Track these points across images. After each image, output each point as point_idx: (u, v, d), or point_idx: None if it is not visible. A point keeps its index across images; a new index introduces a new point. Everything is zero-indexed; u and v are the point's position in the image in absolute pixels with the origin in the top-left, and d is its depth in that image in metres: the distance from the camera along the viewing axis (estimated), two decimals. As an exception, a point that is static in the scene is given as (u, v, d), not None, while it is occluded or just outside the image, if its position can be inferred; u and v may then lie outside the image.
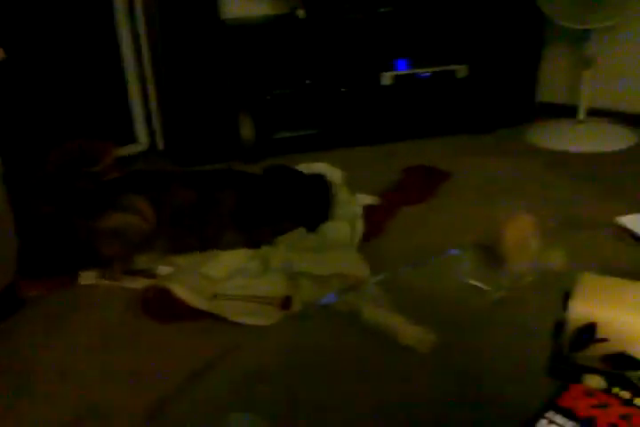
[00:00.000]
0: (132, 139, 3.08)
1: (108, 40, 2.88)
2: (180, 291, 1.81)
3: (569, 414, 0.67)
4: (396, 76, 2.99)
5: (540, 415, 0.67)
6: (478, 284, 1.04)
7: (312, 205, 2.19)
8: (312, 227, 2.13)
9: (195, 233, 2.07)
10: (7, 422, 1.42)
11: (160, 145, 3.15)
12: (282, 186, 2.21)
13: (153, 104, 3.07)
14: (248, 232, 2.09)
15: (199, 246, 2.07)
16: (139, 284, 1.93)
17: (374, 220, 2.23)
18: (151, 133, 3.13)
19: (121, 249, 1.98)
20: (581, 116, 3.04)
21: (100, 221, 1.98)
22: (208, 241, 2.07)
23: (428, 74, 3.02)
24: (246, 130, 2.88)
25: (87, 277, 1.98)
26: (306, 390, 0.87)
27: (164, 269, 1.98)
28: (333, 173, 2.56)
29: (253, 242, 2.07)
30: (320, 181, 2.26)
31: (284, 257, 1.94)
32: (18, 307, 1.84)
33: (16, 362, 1.63)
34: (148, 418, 0.81)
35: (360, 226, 2.15)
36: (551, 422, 0.66)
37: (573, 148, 2.90)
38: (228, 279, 1.88)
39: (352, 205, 2.30)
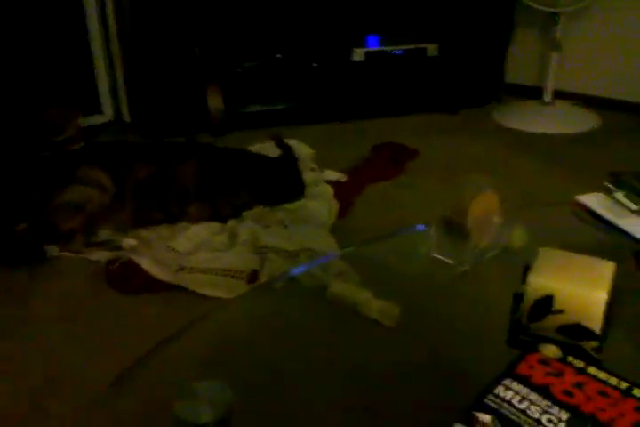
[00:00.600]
0: (97, 109, 3.02)
1: (74, 8, 2.80)
2: (145, 263, 1.80)
3: (525, 381, 0.69)
4: (368, 52, 2.98)
5: (497, 382, 0.69)
6: (443, 258, 1.06)
7: (274, 180, 2.18)
8: (273, 202, 2.12)
9: (159, 206, 2.06)
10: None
11: (126, 116, 3.09)
12: (243, 159, 2.19)
13: (120, 74, 3.01)
14: (211, 205, 2.08)
15: (164, 220, 2.06)
16: (102, 256, 1.91)
17: (341, 197, 2.25)
18: (117, 104, 3.07)
19: (81, 223, 1.96)
20: (548, 97, 3.08)
21: (59, 196, 1.94)
22: (173, 214, 2.06)
23: (399, 51, 3.02)
24: (215, 103, 2.85)
25: (50, 250, 1.96)
26: (273, 359, 0.88)
27: (128, 242, 1.96)
28: (302, 151, 2.56)
29: (218, 215, 2.06)
30: (286, 158, 2.24)
31: (251, 231, 1.94)
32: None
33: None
34: (111, 386, 0.81)
35: (335, 206, 2.16)
36: (508, 388, 0.68)
37: (539, 129, 2.95)
38: (196, 252, 1.88)
39: (322, 184, 2.31)
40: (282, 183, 2.20)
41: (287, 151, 2.27)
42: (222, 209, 2.07)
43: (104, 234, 2.02)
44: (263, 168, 2.19)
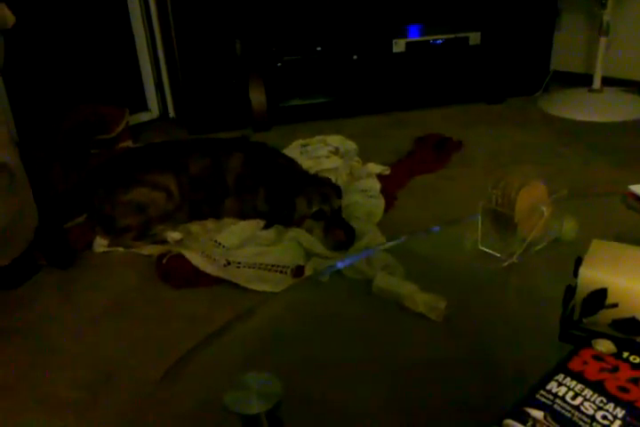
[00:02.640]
0: (143, 106, 3.07)
1: (118, 7, 2.85)
2: (194, 258, 1.83)
3: (578, 377, 0.67)
4: (409, 42, 2.95)
5: (550, 378, 0.67)
6: (490, 251, 1.04)
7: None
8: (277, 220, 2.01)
9: (207, 200, 2.09)
10: (24, 384, 1.46)
11: (171, 113, 3.14)
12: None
13: (165, 71, 3.05)
14: (242, 200, 2.08)
15: (210, 214, 2.09)
16: (151, 250, 1.95)
17: (385, 190, 2.23)
18: (162, 101, 3.12)
19: (138, 222, 2.00)
20: (596, 84, 3.00)
21: (125, 194, 1.99)
22: (217, 208, 2.08)
23: (440, 41, 2.98)
24: (257, 97, 2.86)
25: (100, 245, 2.00)
26: (319, 351, 0.88)
27: (172, 235, 1.99)
28: (348, 145, 2.56)
29: (247, 208, 2.06)
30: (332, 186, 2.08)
31: (297, 232, 1.93)
32: (33, 272, 1.87)
33: (33, 326, 1.67)
34: (160, 379, 0.83)
35: (382, 202, 2.15)
36: (561, 384, 0.67)
37: (587, 117, 2.87)
38: (242, 247, 1.90)
39: (369, 178, 2.30)
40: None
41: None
42: (250, 202, 2.07)
43: (155, 230, 2.06)
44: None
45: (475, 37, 2.99)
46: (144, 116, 3.06)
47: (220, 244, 1.92)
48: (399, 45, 2.95)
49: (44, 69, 2.67)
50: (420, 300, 0.95)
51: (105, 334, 1.62)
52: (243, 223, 2.01)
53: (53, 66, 2.70)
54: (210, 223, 2.07)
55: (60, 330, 1.64)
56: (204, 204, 2.08)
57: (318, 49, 2.89)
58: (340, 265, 1.13)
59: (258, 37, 2.80)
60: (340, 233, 1.88)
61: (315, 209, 1.91)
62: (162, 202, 2.01)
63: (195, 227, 2.05)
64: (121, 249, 1.98)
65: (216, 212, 2.09)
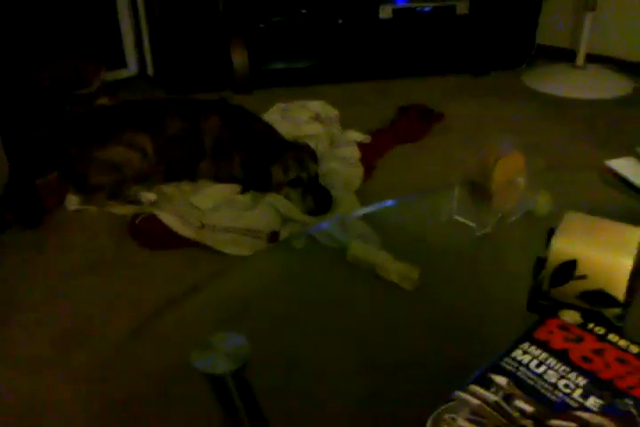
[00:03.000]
0: (122, 63, 2.99)
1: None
2: (169, 219, 1.81)
3: (543, 345, 0.68)
4: (396, 9, 2.90)
5: (515, 346, 0.68)
6: (465, 221, 1.04)
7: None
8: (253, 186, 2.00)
9: (182, 163, 2.06)
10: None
11: (150, 71, 3.07)
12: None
13: (145, 29, 2.97)
14: (217, 164, 2.06)
15: (186, 176, 2.06)
16: (124, 210, 1.93)
17: (365, 159, 2.22)
18: (141, 59, 3.04)
19: (111, 182, 1.97)
20: (580, 61, 2.99)
21: (100, 152, 1.95)
22: (192, 170, 2.06)
23: (428, 8, 2.93)
24: (239, 59, 2.81)
25: (73, 203, 1.97)
26: (289, 315, 0.89)
27: (147, 196, 1.97)
28: (329, 112, 2.53)
29: (222, 173, 2.04)
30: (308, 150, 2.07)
31: (276, 197, 1.92)
32: (3, 228, 1.84)
33: (6, 283, 1.65)
34: (131, 336, 0.83)
35: (360, 170, 2.14)
36: (525, 352, 0.68)
37: (570, 93, 2.87)
38: (217, 210, 1.88)
39: (349, 145, 2.28)
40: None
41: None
42: (227, 167, 2.05)
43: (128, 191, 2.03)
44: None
45: (462, 6, 2.95)
46: (122, 74, 2.99)
47: (194, 206, 1.91)
48: (386, 11, 2.90)
49: (21, 22, 2.58)
50: (394, 269, 0.95)
51: (76, 292, 1.61)
52: (218, 186, 1.99)
53: (30, 19, 2.61)
54: (185, 185, 2.05)
55: (30, 288, 1.62)
56: (180, 165, 2.05)
57: (303, 11, 2.83)
58: (313, 230, 1.12)
59: (242, -4, 2.74)
60: (317, 200, 1.88)
61: (291, 177, 1.90)
62: (137, 162, 1.97)
63: (170, 189, 2.03)
64: (94, 208, 1.96)
65: (191, 174, 2.07)
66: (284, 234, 1.79)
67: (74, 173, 1.98)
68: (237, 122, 2.08)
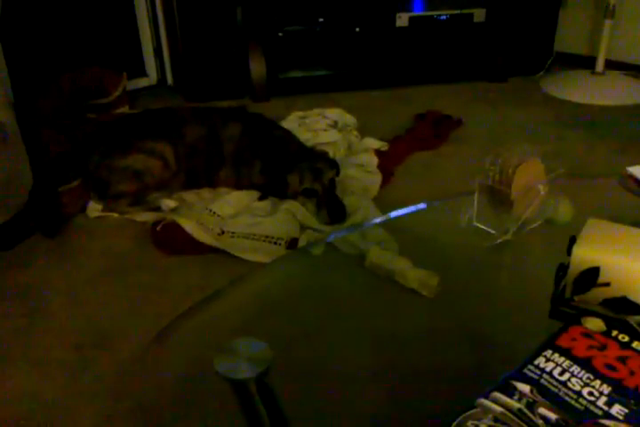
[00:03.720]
0: (141, 72, 3.03)
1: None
2: (189, 226, 1.82)
3: (567, 353, 0.68)
4: (412, 17, 2.91)
5: (538, 354, 0.68)
6: (484, 228, 1.04)
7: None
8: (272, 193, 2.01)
9: (203, 170, 2.07)
10: (19, 343, 1.47)
11: (169, 79, 3.10)
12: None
13: (164, 38, 3.01)
14: (237, 172, 2.07)
15: (206, 184, 2.08)
16: (145, 217, 1.95)
17: (382, 166, 2.22)
18: (161, 67, 3.08)
19: (133, 189, 1.99)
20: (599, 67, 2.97)
21: (121, 159, 1.97)
22: (212, 178, 2.07)
23: (444, 16, 2.94)
24: (257, 67, 2.83)
25: (94, 210, 2.00)
26: (309, 321, 0.89)
27: (167, 203, 1.99)
28: (347, 120, 2.54)
29: (242, 180, 2.05)
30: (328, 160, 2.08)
31: (293, 204, 1.92)
32: (28, 234, 1.86)
33: (28, 287, 1.67)
34: (151, 343, 0.83)
35: (378, 177, 2.14)
36: (549, 360, 0.67)
37: (589, 100, 2.85)
38: (237, 217, 1.89)
39: (367, 152, 2.29)
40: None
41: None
42: (246, 173, 2.06)
43: (150, 198, 2.05)
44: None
45: (479, 14, 2.95)
46: (142, 82, 3.02)
47: (214, 213, 1.92)
48: (402, 19, 2.91)
49: (43, 31, 2.63)
50: (413, 276, 0.95)
51: (98, 298, 1.62)
52: (237, 193, 2.00)
53: (52, 28, 2.65)
54: (205, 192, 2.06)
55: (52, 293, 1.64)
56: (200, 173, 2.07)
57: (320, 20, 2.85)
58: (332, 237, 1.13)
59: (260, 5, 2.76)
60: (331, 212, 1.88)
61: (306, 185, 1.90)
62: (158, 170, 1.99)
63: (190, 195, 2.04)
64: (115, 215, 1.98)
65: (211, 181, 2.08)
66: (302, 241, 1.79)
67: (96, 181, 2.00)
68: (257, 129, 2.10)
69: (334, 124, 2.50)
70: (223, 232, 1.83)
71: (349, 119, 2.54)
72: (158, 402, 0.76)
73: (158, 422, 0.72)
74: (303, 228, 1.85)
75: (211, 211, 1.92)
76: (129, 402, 1.20)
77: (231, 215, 1.90)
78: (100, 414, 1.26)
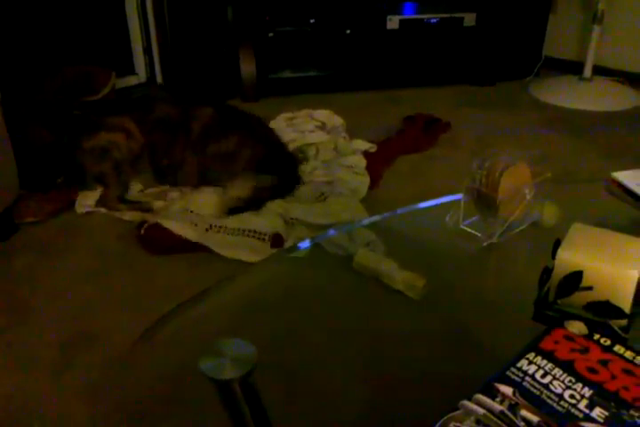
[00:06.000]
0: (130, 70, 3.02)
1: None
2: (172, 224, 1.82)
3: (549, 356, 0.68)
4: (403, 20, 2.92)
5: (521, 356, 0.68)
6: (471, 230, 1.05)
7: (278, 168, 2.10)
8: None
9: (165, 149, 2.06)
10: (2, 341, 1.46)
11: (159, 78, 3.09)
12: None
13: (154, 36, 2.99)
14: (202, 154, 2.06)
15: (170, 165, 2.07)
16: (132, 216, 1.94)
17: (371, 168, 2.23)
18: (150, 66, 3.06)
19: (107, 170, 1.99)
20: (587, 73, 2.99)
21: (87, 142, 1.99)
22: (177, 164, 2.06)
23: (435, 20, 2.95)
24: (247, 67, 2.83)
25: (83, 206, 1.99)
26: (295, 322, 0.89)
27: (157, 204, 1.98)
28: (336, 121, 2.54)
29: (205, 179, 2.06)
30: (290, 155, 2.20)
31: (280, 203, 1.93)
32: (12, 232, 1.85)
33: (12, 286, 1.66)
34: (136, 342, 0.83)
35: (367, 179, 2.14)
36: (531, 362, 0.68)
37: (576, 105, 2.88)
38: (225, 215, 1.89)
39: (355, 154, 2.29)
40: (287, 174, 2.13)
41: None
42: (210, 164, 2.06)
43: (135, 193, 2.05)
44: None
45: (470, 18, 2.97)
46: (131, 81, 3.01)
47: (195, 214, 1.91)
48: (393, 22, 2.92)
49: (32, 28, 2.61)
50: (400, 277, 0.95)
51: (83, 296, 1.61)
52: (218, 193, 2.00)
53: (42, 25, 2.64)
54: (189, 193, 2.05)
55: (37, 291, 1.63)
56: (161, 150, 2.05)
57: (312, 21, 2.85)
58: (320, 238, 1.13)
59: (251, 5, 2.75)
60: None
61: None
62: (122, 141, 2.00)
63: (175, 194, 2.03)
64: (103, 210, 1.97)
65: (175, 168, 2.07)
66: (291, 239, 1.80)
67: (74, 169, 2.00)
68: (229, 113, 2.11)
69: (322, 126, 2.50)
70: (211, 227, 1.82)
71: (338, 121, 2.55)
72: (143, 401, 0.75)
73: (142, 422, 0.72)
74: (290, 226, 1.85)
75: (192, 212, 1.92)
76: (113, 401, 1.19)
77: (217, 215, 1.90)
78: (84, 413, 1.25)
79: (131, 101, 2.18)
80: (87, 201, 2.00)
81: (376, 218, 1.23)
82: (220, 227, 1.82)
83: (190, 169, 2.05)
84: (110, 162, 2.00)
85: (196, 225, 1.83)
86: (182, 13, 2.71)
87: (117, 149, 2.00)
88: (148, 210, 1.97)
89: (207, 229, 1.82)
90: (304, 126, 2.47)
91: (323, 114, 2.57)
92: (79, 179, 2.03)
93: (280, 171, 2.05)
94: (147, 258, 1.76)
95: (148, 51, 3.02)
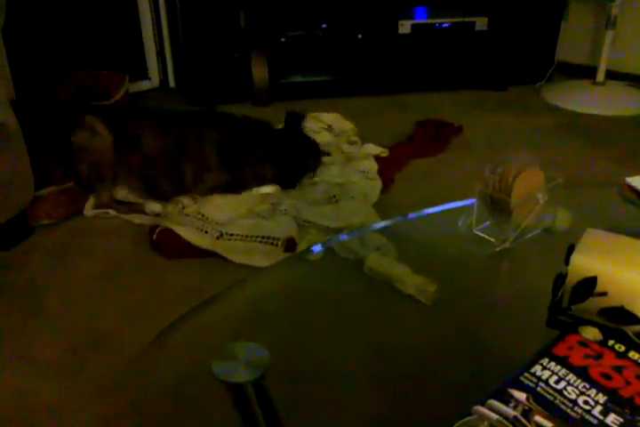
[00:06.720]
0: (143, 75, 3.04)
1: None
2: (185, 231, 1.82)
3: (563, 361, 0.68)
4: (415, 24, 2.93)
5: (534, 362, 0.68)
6: (483, 235, 1.04)
7: (295, 158, 2.16)
8: (291, 181, 2.12)
9: (170, 176, 2.05)
10: (15, 345, 1.46)
11: (172, 82, 3.11)
12: (270, 134, 2.18)
13: (167, 40, 3.02)
14: (233, 174, 2.07)
15: (173, 192, 2.05)
16: (142, 220, 1.95)
17: (382, 172, 2.23)
18: (163, 70, 3.08)
19: (90, 167, 1.99)
20: (600, 77, 2.98)
21: (72, 138, 1.99)
22: (184, 186, 2.06)
23: (447, 24, 2.95)
24: (259, 72, 2.84)
25: (90, 209, 2.00)
26: (307, 326, 0.89)
27: (152, 207, 1.99)
28: (344, 125, 2.55)
29: (236, 182, 2.07)
30: (308, 140, 2.23)
31: (293, 204, 1.94)
32: (26, 234, 1.87)
33: (22, 289, 1.67)
34: (148, 345, 0.84)
35: (379, 183, 2.15)
36: (545, 368, 0.67)
37: (589, 109, 2.86)
38: (236, 219, 1.89)
39: (367, 159, 2.30)
40: (302, 162, 2.19)
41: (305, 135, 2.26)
42: (241, 175, 2.08)
43: (122, 195, 2.06)
44: (282, 141, 2.18)
45: (481, 23, 2.97)
46: (144, 85, 3.03)
47: (207, 218, 1.92)
48: (405, 27, 2.92)
49: (45, 31, 2.63)
50: (411, 282, 0.95)
51: (95, 299, 1.62)
52: (229, 198, 2.00)
53: (56, 29, 2.66)
54: (200, 197, 2.06)
55: (49, 294, 1.64)
56: (164, 180, 2.05)
57: (323, 26, 2.86)
58: (332, 242, 1.13)
59: (263, 10, 2.77)
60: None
61: None
62: (89, 139, 1.98)
63: (185, 200, 2.04)
64: (112, 212, 1.98)
65: (181, 189, 2.06)
66: (302, 243, 1.80)
67: (71, 168, 2.01)
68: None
69: (328, 128, 2.50)
70: (222, 235, 1.83)
71: (346, 124, 2.55)
72: (155, 404, 0.76)
73: (154, 424, 0.72)
74: (303, 230, 1.85)
75: (203, 216, 1.92)
76: (125, 404, 1.20)
77: (223, 220, 1.90)
78: (96, 416, 1.26)
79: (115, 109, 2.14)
80: (90, 205, 2.01)
81: (388, 222, 1.23)
82: (232, 235, 1.82)
83: (210, 183, 2.07)
84: (90, 161, 1.99)
85: (206, 232, 1.83)
86: (195, 18, 2.72)
87: (89, 147, 1.99)
88: (142, 212, 1.97)
89: (218, 237, 1.82)
90: (310, 127, 2.47)
91: (330, 117, 2.57)
92: (75, 177, 2.02)
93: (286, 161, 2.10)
94: (160, 262, 1.77)
95: (160, 55, 3.04)
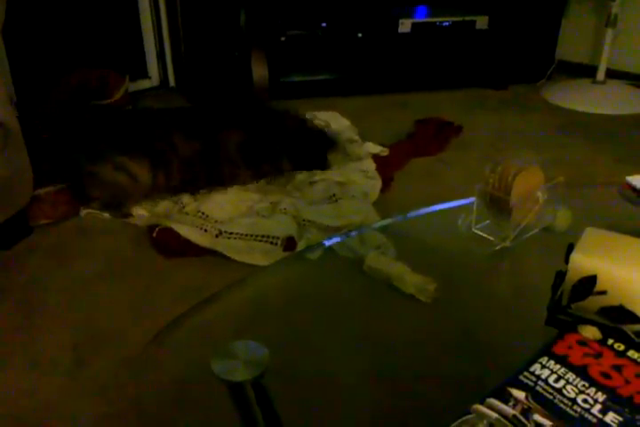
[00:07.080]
0: (143, 73, 3.04)
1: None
2: (184, 230, 1.82)
3: (562, 360, 0.68)
4: (415, 23, 2.92)
5: (534, 361, 0.68)
6: (483, 234, 1.04)
7: (310, 149, 2.23)
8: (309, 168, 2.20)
9: (205, 175, 2.07)
10: (16, 343, 1.47)
11: (172, 81, 3.11)
12: (284, 127, 2.23)
13: (167, 39, 3.02)
14: (256, 170, 2.13)
15: (208, 184, 2.08)
16: (143, 220, 1.95)
17: (382, 171, 2.23)
18: (163, 69, 3.08)
19: (107, 197, 2.00)
20: (600, 76, 2.98)
21: (94, 167, 1.97)
22: (221, 178, 2.09)
23: (447, 23, 2.95)
24: (259, 71, 2.84)
25: (86, 211, 2.00)
26: (306, 324, 0.89)
27: (137, 211, 1.98)
28: (341, 122, 2.55)
29: (259, 176, 2.14)
30: (321, 131, 2.32)
31: (292, 203, 1.94)
32: (25, 234, 1.87)
33: (22, 288, 1.67)
34: (148, 344, 0.84)
35: (378, 182, 2.15)
36: (544, 367, 0.67)
37: (590, 108, 2.86)
38: (236, 218, 1.89)
39: (366, 158, 2.30)
40: (318, 152, 2.26)
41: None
42: (263, 172, 2.15)
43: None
44: (303, 136, 2.24)
45: (482, 22, 2.96)
46: (144, 84, 3.03)
47: (207, 216, 1.92)
48: (405, 25, 2.92)
49: (45, 31, 2.63)
50: (411, 281, 0.95)
51: (95, 298, 1.62)
52: (229, 195, 2.00)
53: (56, 28, 2.66)
54: (200, 194, 2.06)
55: (50, 293, 1.64)
56: (200, 178, 2.07)
57: (323, 25, 2.85)
58: (331, 241, 1.13)
59: (263, 9, 2.76)
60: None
61: None
62: (125, 183, 1.98)
63: (185, 197, 2.04)
64: (106, 215, 1.98)
65: (219, 180, 2.10)
66: (301, 242, 1.80)
67: (78, 184, 2.00)
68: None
69: (326, 126, 2.51)
70: (221, 233, 1.83)
71: (344, 122, 2.55)
72: (155, 403, 0.76)
73: (154, 422, 0.72)
74: (302, 229, 1.86)
75: (203, 214, 1.92)
76: (126, 403, 1.20)
77: (223, 218, 1.90)
78: (97, 414, 1.26)
79: (143, 126, 2.10)
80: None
81: (387, 221, 1.23)
82: (231, 233, 1.82)
83: (244, 178, 2.13)
84: (108, 193, 1.99)
85: (205, 231, 1.83)
86: (195, 17, 2.72)
87: (118, 188, 1.99)
88: (129, 215, 1.97)
89: (217, 236, 1.82)
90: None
91: (327, 115, 2.57)
92: (76, 191, 2.01)
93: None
94: (160, 261, 1.77)
95: (160, 54, 3.04)
